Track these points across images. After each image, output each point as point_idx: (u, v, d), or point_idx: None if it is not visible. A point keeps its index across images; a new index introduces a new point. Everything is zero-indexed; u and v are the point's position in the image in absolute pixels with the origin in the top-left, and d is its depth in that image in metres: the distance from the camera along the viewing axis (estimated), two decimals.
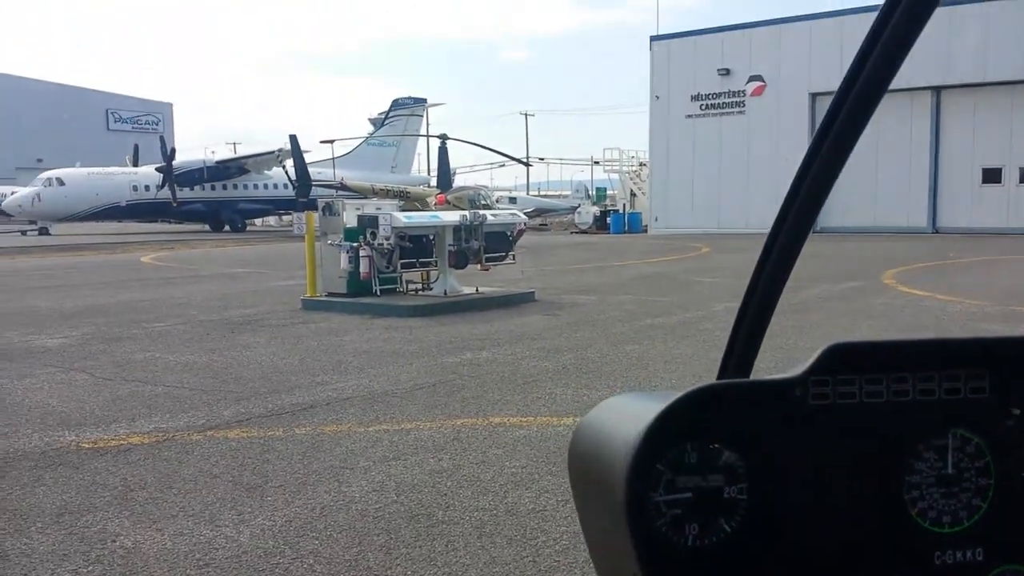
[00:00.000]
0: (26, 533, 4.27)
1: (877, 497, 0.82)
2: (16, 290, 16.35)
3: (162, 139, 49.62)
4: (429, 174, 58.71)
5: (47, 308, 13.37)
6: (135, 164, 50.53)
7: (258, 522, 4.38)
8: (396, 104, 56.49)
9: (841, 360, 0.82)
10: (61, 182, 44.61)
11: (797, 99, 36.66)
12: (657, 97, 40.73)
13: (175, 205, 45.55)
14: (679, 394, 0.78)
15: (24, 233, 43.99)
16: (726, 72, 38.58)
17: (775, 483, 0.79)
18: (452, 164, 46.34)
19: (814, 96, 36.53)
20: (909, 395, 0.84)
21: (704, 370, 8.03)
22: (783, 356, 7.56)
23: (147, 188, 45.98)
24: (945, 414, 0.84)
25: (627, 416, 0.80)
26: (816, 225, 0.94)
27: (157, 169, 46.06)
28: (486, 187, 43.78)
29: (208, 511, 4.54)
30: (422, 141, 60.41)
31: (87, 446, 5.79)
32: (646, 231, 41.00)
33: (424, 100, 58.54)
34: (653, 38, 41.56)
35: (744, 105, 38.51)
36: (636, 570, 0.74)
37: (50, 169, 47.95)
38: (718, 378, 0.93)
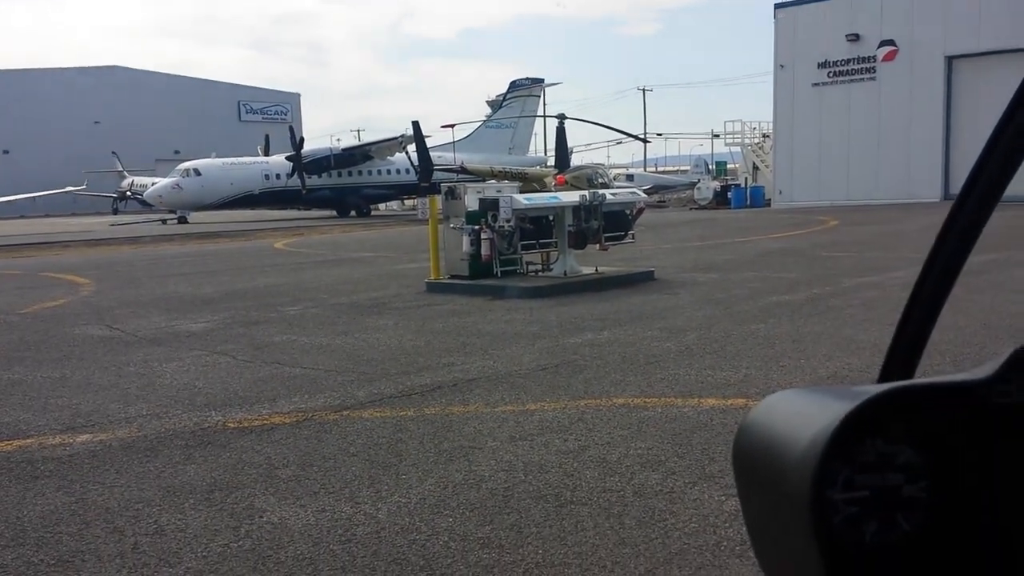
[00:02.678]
0: (180, 509, 4.55)
1: None
2: (160, 276, 17.33)
3: (291, 129, 51.25)
4: (546, 154, 58.78)
5: (189, 294, 14.13)
6: (266, 153, 52.35)
7: (394, 499, 4.56)
8: (514, 85, 56.72)
9: None
10: (198, 172, 46.64)
11: (932, 64, 34.92)
12: (782, 66, 39.55)
13: (304, 192, 47.05)
14: (866, 394, 0.76)
15: (164, 222, 46.24)
16: (855, 38, 37.07)
17: (956, 482, 0.78)
18: (569, 143, 46.18)
19: (950, 60, 34.71)
20: None
21: (835, 348, 7.82)
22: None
23: (278, 176, 47.63)
24: None
25: (802, 414, 0.79)
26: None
27: (287, 158, 47.63)
28: (602, 165, 43.45)
29: (347, 488, 4.75)
30: (539, 121, 60.55)
31: (232, 426, 6.13)
32: (769, 205, 39.97)
33: (541, 80, 58.61)
34: (777, 5, 40.27)
35: (875, 72, 36.95)
36: (814, 567, 0.74)
37: (187, 160, 50.31)
38: (885, 363, 0.91)
